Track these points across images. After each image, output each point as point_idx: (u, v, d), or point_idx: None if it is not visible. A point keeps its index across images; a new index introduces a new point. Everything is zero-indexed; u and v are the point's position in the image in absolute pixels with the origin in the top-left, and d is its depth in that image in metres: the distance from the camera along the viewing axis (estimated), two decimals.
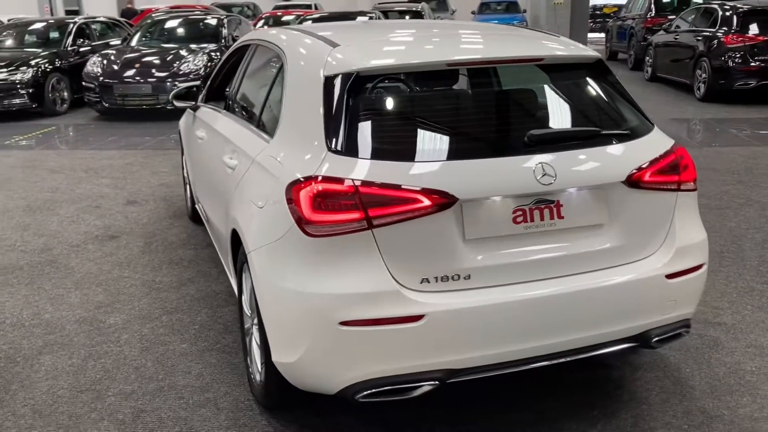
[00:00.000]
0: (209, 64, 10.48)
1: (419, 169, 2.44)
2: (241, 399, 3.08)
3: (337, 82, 2.62)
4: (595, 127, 2.74)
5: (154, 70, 10.47)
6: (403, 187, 2.38)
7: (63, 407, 3.06)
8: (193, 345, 3.58)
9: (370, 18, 12.78)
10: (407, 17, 16.02)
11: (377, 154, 2.47)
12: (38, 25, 12.71)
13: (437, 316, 2.40)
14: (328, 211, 2.39)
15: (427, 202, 2.39)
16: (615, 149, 2.68)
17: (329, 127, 2.55)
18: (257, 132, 3.16)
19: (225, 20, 12.17)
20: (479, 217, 2.49)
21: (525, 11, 24.40)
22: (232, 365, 3.36)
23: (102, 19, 13.68)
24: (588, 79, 2.92)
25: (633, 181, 2.64)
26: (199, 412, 3.00)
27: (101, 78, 10.46)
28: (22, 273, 4.62)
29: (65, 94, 11.36)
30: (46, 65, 11.07)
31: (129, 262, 4.75)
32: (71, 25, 12.20)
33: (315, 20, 12.37)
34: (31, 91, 10.70)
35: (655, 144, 2.78)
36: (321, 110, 2.61)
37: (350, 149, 2.49)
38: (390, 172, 2.42)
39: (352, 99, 2.58)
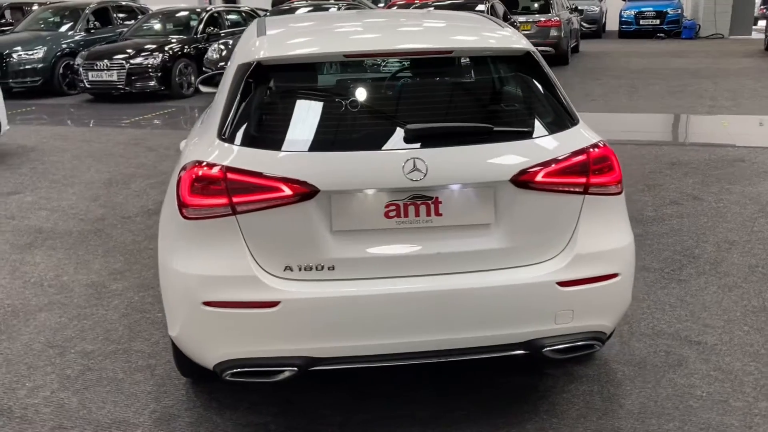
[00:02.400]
0: None
1: (286, 159, 2.48)
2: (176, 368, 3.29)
3: (243, 70, 2.71)
4: (492, 122, 2.61)
5: None
6: (265, 175, 2.44)
7: (29, 359, 3.43)
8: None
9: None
10: (536, 5, 15.51)
11: (254, 143, 2.54)
12: (180, 14, 13.78)
13: (293, 303, 2.45)
14: (200, 195, 2.50)
15: (288, 191, 2.43)
16: (506, 147, 2.55)
17: (226, 115, 2.65)
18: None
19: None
20: (348, 210, 2.49)
21: None
22: None
23: (243, 8, 14.56)
24: (509, 72, 2.80)
25: (521, 182, 2.51)
26: (135, 376, 3.24)
27: (220, 64, 11.16)
28: (69, 238, 5.14)
29: (192, 78, 12.25)
30: (176, 51, 11.99)
31: None
32: (203, 14, 13.11)
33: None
34: (160, 74, 11.65)
35: (565, 143, 2.61)
36: (226, 98, 2.72)
37: (234, 137, 2.58)
38: (259, 160, 2.48)
39: (251, 88, 2.67)
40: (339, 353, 2.53)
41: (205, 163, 2.52)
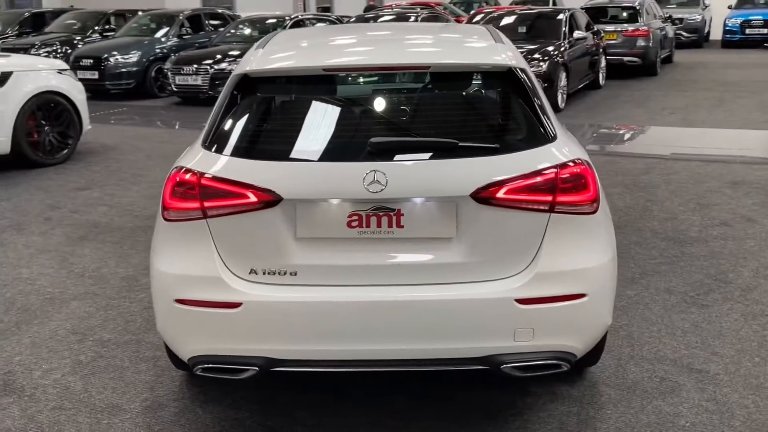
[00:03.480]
0: None
1: (255, 167, 2.60)
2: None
3: (233, 82, 2.87)
4: (460, 137, 2.62)
5: None
6: (233, 181, 2.57)
7: (52, 343, 3.71)
8: None
9: None
10: (624, 14, 15.04)
11: (230, 151, 2.68)
12: (268, 21, 14.27)
13: (254, 306, 2.56)
14: (178, 199, 2.66)
15: (253, 198, 2.55)
16: (470, 163, 2.56)
17: (212, 125, 2.81)
18: None
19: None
20: (313, 218, 2.58)
21: None
22: None
23: (331, 16, 14.93)
24: (489, 88, 2.81)
25: (483, 198, 2.52)
26: (139, 366, 3.45)
27: None
28: (120, 233, 5.49)
29: None
30: None
31: None
32: (286, 20, 13.54)
33: None
34: None
35: (534, 160, 2.60)
36: (215, 108, 2.88)
37: (214, 145, 2.73)
38: (231, 167, 2.62)
39: (236, 99, 2.82)
40: (298, 356, 2.62)
41: (184, 169, 2.68)
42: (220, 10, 16.55)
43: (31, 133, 7.64)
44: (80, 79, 12.79)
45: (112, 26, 15.70)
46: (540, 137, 2.69)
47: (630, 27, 14.25)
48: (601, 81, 13.08)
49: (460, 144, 2.60)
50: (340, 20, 15.37)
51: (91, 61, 12.88)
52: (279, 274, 2.60)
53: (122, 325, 3.89)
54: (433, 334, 2.56)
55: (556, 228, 2.59)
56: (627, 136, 9.05)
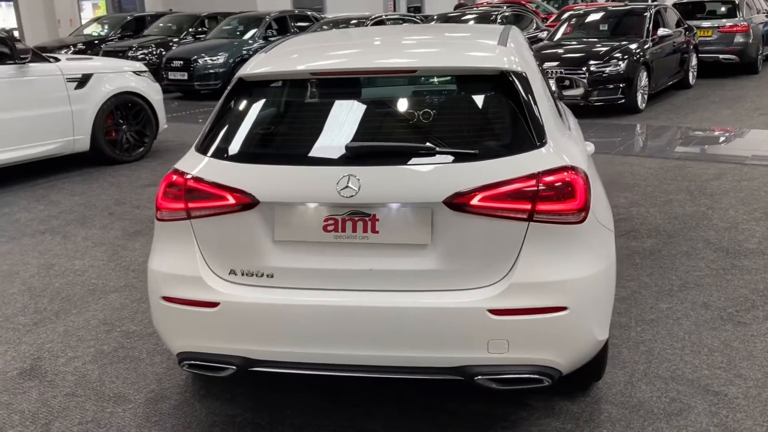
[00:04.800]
0: None
1: (235, 170, 2.65)
2: None
3: (231, 85, 2.93)
4: (440, 143, 2.57)
5: None
6: (215, 184, 2.63)
7: (82, 332, 3.91)
8: None
9: None
10: (722, 8, 14.22)
11: (217, 154, 2.74)
12: (351, 22, 14.46)
13: (231, 306, 2.61)
14: (168, 200, 2.75)
15: (232, 200, 2.60)
16: (446, 168, 2.51)
17: (207, 127, 2.89)
18: None
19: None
20: (290, 221, 2.60)
21: None
22: None
23: (415, 16, 14.96)
24: (479, 92, 2.74)
25: (456, 204, 2.46)
26: (154, 358, 3.59)
27: None
28: None
29: None
30: None
31: None
32: (368, 22, 13.64)
33: None
34: None
35: (516, 166, 2.51)
36: (215, 111, 2.95)
37: (205, 148, 2.80)
38: (215, 170, 2.68)
39: (230, 103, 2.88)
40: (273, 357, 2.65)
41: (175, 171, 2.77)
42: (308, 12, 16.90)
43: (110, 132, 8.08)
44: (171, 80, 13.52)
45: (206, 29, 16.34)
46: (527, 143, 2.60)
47: (727, 23, 13.47)
48: (691, 80, 12.45)
49: (437, 149, 2.56)
50: (423, 20, 15.35)
51: (181, 62, 13.46)
52: (256, 275, 2.63)
53: (149, 318, 4.05)
54: (404, 342, 2.53)
55: (536, 237, 2.50)
56: (704, 138, 8.56)
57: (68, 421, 3.07)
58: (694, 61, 12.54)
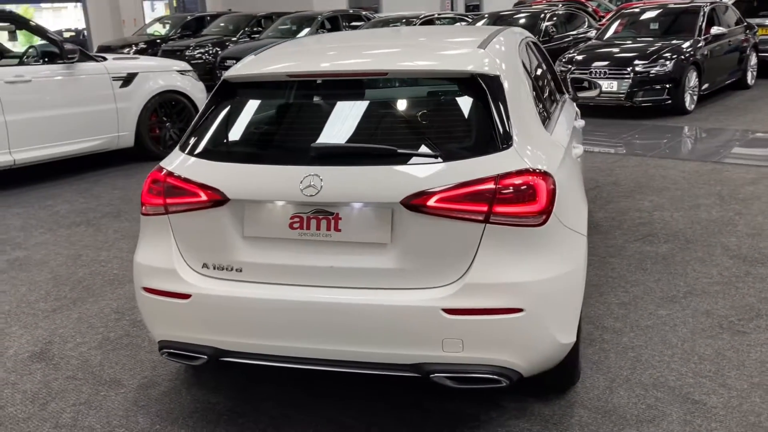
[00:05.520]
0: None
1: (208, 168, 2.77)
2: None
3: (217, 86, 3.06)
4: (403, 144, 2.62)
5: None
6: (189, 181, 2.76)
7: (94, 319, 4.12)
8: None
9: None
10: None
11: (196, 152, 2.87)
12: (404, 21, 14.52)
13: (202, 298, 2.73)
14: (151, 195, 2.89)
15: (204, 197, 2.72)
16: (405, 170, 2.56)
17: (191, 126, 3.02)
18: None
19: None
20: (258, 218, 2.70)
21: None
22: None
23: (467, 16, 14.87)
24: (448, 95, 2.78)
25: (413, 205, 2.51)
26: (154, 346, 3.74)
27: None
28: None
29: None
30: None
31: None
32: (415, 21, 13.68)
33: None
34: None
35: (477, 168, 2.54)
36: (201, 110, 3.08)
37: (186, 147, 2.93)
38: (192, 168, 2.80)
39: (215, 102, 3.01)
40: (241, 348, 2.75)
41: (159, 168, 2.91)
42: (363, 12, 17.06)
43: (153, 129, 8.39)
44: None
45: (261, 28, 16.70)
46: (491, 146, 2.62)
47: None
48: (750, 80, 12.02)
49: (399, 151, 2.61)
50: (473, 19, 15.27)
51: (234, 61, 13.79)
52: (227, 269, 2.74)
53: None
54: (363, 338, 2.59)
55: (493, 239, 2.52)
56: (750, 141, 8.26)
57: (63, 402, 3.25)
58: (753, 61, 12.10)
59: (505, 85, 2.81)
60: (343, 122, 2.80)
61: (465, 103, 2.76)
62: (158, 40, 17.27)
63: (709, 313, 3.84)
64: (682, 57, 9.78)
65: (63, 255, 5.27)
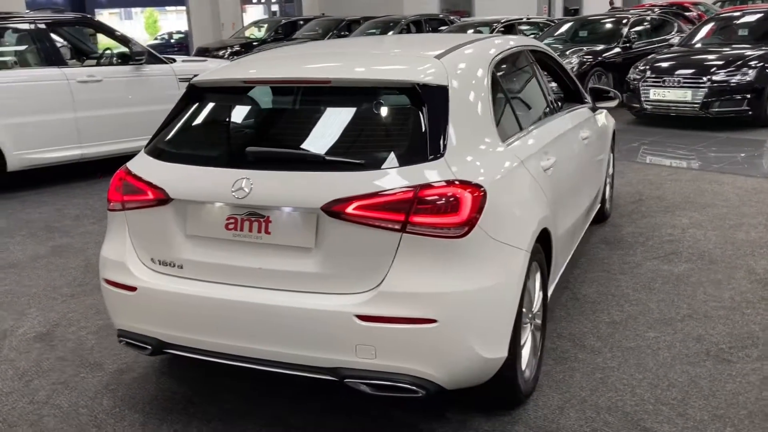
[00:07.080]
0: None
1: (158, 168, 2.92)
2: None
3: (185, 91, 3.21)
4: (331, 151, 2.67)
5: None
6: (141, 180, 2.92)
7: (101, 306, 4.31)
8: None
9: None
10: None
11: (151, 153, 3.04)
12: (487, 26, 14.40)
13: (145, 291, 2.88)
14: (114, 193, 3.08)
15: (151, 195, 2.87)
16: (329, 177, 2.60)
17: (157, 128, 3.20)
18: None
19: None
20: (199, 217, 2.83)
21: None
22: None
23: (553, 20, 14.57)
24: (389, 104, 2.80)
25: (333, 212, 2.55)
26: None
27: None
28: None
29: None
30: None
31: None
32: (495, 25, 13.54)
33: None
34: None
35: (400, 178, 2.55)
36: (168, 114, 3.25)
37: (147, 147, 3.12)
38: (146, 168, 2.97)
39: (180, 106, 3.17)
40: (179, 342, 2.88)
41: (123, 167, 3.10)
42: (450, 17, 17.07)
43: None
44: None
45: (346, 33, 17.04)
46: (419, 156, 2.62)
47: None
48: None
49: (326, 158, 2.66)
50: (556, 22, 14.92)
51: None
52: (170, 265, 2.88)
53: None
54: (284, 339, 2.66)
55: (411, 248, 2.52)
56: None
57: (46, 380, 3.51)
58: None
59: (453, 95, 2.80)
60: (282, 128, 2.88)
61: (402, 113, 2.77)
62: (254, 43, 17.96)
63: (701, 338, 3.63)
64: (767, 66, 9.19)
65: (101, 244, 5.61)
